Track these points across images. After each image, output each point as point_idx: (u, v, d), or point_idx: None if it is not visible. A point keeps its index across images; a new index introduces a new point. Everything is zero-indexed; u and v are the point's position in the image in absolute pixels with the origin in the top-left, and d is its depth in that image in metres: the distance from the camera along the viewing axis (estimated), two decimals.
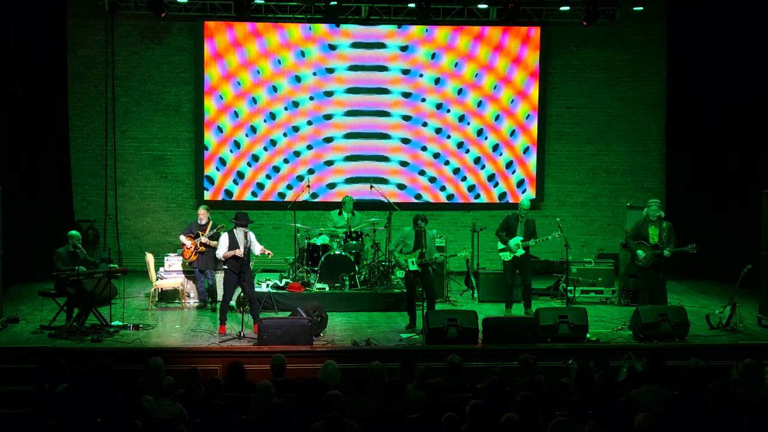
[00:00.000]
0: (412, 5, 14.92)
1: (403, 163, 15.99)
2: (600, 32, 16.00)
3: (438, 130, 15.94)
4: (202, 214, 12.82)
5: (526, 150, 16.08)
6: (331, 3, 14.37)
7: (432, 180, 16.04)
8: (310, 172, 15.57)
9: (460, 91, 15.88)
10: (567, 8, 15.26)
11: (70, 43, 15.29)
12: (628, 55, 16.27)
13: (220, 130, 15.63)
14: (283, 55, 15.60)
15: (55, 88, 15.00)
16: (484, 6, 15.25)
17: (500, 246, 12.18)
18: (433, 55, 15.77)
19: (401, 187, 15.98)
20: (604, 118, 16.37)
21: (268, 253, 11.55)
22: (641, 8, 15.34)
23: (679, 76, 15.89)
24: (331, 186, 15.88)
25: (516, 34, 15.88)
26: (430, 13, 14.70)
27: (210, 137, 15.63)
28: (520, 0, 14.73)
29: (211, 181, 15.69)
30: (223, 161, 15.69)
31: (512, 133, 16.06)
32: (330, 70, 15.68)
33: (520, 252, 11.97)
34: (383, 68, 15.75)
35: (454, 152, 16.02)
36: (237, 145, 15.69)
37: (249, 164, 15.74)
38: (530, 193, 15.98)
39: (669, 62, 16.10)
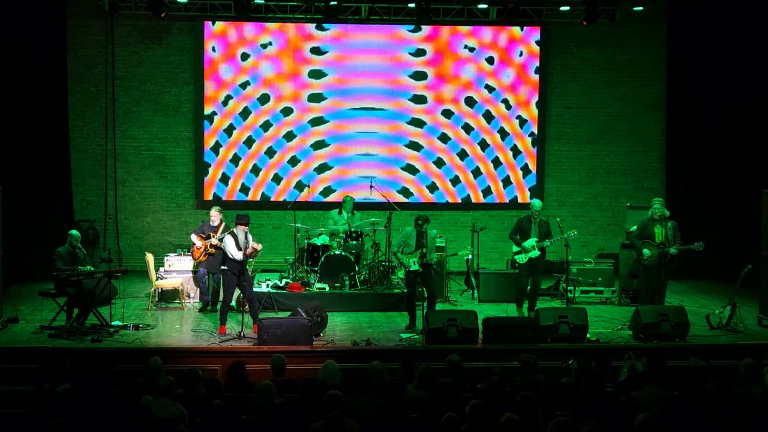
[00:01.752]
0: (412, 5, 14.92)
1: (439, 162, 16.01)
2: (600, 32, 16.00)
3: (468, 130, 15.96)
4: (215, 216, 12.65)
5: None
6: (331, 3, 14.37)
7: (455, 182, 16.07)
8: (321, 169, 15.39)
9: (491, 90, 15.93)
10: (567, 8, 15.26)
11: (70, 43, 15.29)
12: (628, 55, 16.27)
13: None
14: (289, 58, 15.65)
15: (55, 88, 15.00)
16: (484, 6, 15.26)
17: (515, 249, 12.02)
18: (473, 49, 15.82)
19: (432, 188, 16.02)
20: (604, 118, 16.37)
21: (255, 246, 11.32)
22: (641, 8, 15.35)
23: (679, 76, 15.89)
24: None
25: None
26: (430, 13, 14.70)
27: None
28: (520, 0, 14.74)
29: (224, 180, 15.75)
30: (205, 165, 15.72)
31: (534, 141, 16.13)
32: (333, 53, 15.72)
33: (536, 253, 11.81)
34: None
35: (480, 156, 16.03)
36: (216, 150, 15.72)
37: (257, 167, 15.78)
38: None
39: (669, 62, 16.10)
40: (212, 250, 12.39)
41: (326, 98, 15.71)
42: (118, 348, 10.24)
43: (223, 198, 15.62)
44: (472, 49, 15.80)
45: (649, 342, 10.75)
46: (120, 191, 15.71)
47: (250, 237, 11.31)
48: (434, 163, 15.97)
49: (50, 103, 14.92)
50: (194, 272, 12.90)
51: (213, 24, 15.37)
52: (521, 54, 15.88)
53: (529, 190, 16.06)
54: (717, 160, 15.47)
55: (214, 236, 12.41)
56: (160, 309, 12.61)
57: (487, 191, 16.10)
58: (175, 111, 15.77)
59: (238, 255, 11.05)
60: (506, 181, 16.12)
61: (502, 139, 16.01)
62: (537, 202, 12.07)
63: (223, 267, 11.30)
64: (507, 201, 16.09)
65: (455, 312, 11.15)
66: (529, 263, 11.89)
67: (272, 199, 15.73)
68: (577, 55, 16.25)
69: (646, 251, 11.69)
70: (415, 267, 11.28)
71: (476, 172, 16.04)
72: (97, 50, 15.47)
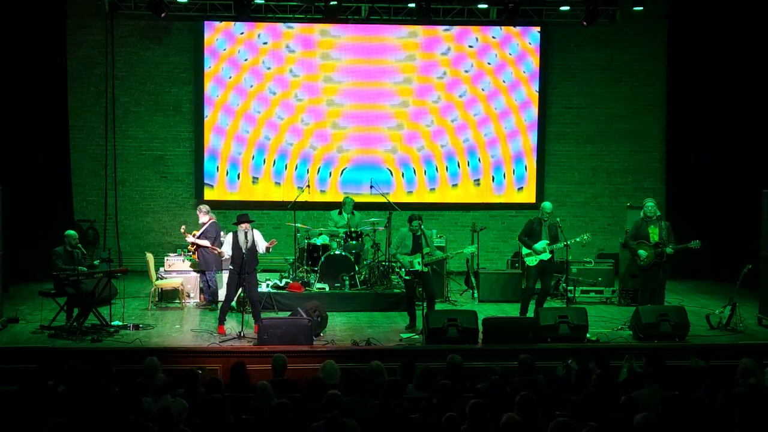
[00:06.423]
0: (412, 5, 14.93)
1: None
2: (600, 32, 16.00)
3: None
4: (200, 215, 12.71)
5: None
6: (331, 3, 14.37)
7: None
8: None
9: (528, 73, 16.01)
10: (567, 8, 15.27)
11: (70, 43, 15.29)
12: (628, 55, 16.28)
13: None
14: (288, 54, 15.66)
15: (55, 88, 15.00)
16: (484, 6, 15.26)
17: (525, 251, 11.83)
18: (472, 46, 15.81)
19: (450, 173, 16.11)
20: (604, 118, 16.37)
21: (272, 242, 11.39)
22: (641, 8, 15.35)
23: (680, 75, 15.88)
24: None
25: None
26: (430, 13, 14.71)
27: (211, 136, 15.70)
28: (520, 0, 14.74)
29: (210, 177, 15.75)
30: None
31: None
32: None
33: (547, 256, 11.64)
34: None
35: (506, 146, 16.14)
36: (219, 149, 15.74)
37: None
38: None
39: (669, 62, 16.11)
40: (191, 248, 12.52)
41: (333, 96, 15.74)
42: (118, 348, 10.24)
43: (224, 198, 15.66)
44: (471, 47, 15.85)
45: (649, 342, 10.74)
46: (120, 191, 15.72)
47: (253, 235, 11.23)
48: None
49: (50, 103, 14.92)
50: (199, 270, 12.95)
51: (241, 32, 15.36)
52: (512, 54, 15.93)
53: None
54: (717, 160, 15.47)
55: (193, 235, 12.46)
56: (160, 309, 12.61)
57: (498, 181, 16.12)
58: (175, 111, 15.77)
59: (227, 252, 11.15)
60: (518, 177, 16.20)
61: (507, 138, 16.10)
62: (547, 204, 11.90)
63: (230, 266, 11.29)
64: (516, 197, 16.10)
65: (455, 312, 11.14)
66: (539, 266, 11.71)
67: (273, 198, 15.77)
68: (577, 55, 16.25)
69: (642, 252, 11.66)
70: (418, 267, 11.26)
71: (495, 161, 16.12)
72: (97, 50, 15.47)
